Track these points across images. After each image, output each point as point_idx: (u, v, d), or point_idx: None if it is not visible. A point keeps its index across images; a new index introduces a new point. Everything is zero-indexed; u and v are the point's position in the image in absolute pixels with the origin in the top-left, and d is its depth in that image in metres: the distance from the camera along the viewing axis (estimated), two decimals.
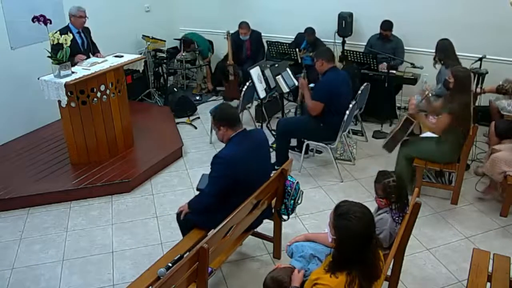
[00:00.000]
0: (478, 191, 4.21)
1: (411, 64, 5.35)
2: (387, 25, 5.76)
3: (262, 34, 6.79)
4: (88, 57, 4.93)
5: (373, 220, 2.02)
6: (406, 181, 3.27)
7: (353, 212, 1.97)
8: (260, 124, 5.16)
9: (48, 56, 4.31)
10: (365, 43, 6.12)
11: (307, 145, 4.69)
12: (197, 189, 3.42)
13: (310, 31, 6.18)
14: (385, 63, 5.63)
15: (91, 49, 5.09)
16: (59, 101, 4.34)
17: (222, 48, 7.07)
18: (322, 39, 6.28)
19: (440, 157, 3.97)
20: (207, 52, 7.10)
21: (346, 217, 1.96)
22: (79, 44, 4.93)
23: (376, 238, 2.05)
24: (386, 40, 5.84)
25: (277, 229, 3.34)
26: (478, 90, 4.93)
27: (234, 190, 2.87)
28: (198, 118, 6.12)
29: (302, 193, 3.19)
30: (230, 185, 2.85)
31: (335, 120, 4.39)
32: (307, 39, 6.24)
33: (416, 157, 4.07)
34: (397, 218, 2.70)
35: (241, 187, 2.85)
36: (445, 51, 4.79)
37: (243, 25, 6.55)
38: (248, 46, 6.73)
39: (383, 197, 2.73)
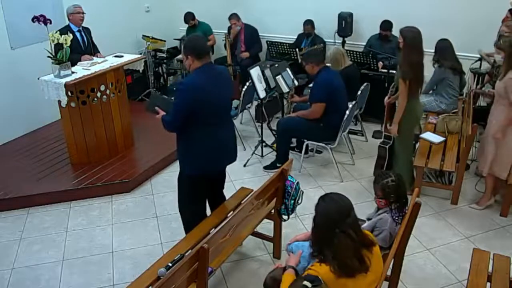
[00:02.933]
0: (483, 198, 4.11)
1: None
2: (386, 25, 5.77)
3: (263, 34, 6.80)
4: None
5: (351, 210, 2.08)
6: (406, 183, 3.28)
7: (331, 196, 2.14)
8: (260, 124, 5.15)
9: (48, 56, 4.31)
10: (365, 43, 6.12)
11: (307, 145, 4.69)
12: (147, 109, 3.16)
13: (308, 22, 6.27)
14: (381, 62, 5.63)
15: (92, 49, 5.09)
16: (59, 101, 4.34)
17: (222, 48, 7.09)
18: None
19: (411, 120, 3.96)
20: (210, 31, 7.06)
21: (324, 199, 2.14)
22: (80, 42, 4.94)
23: (356, 232, 2.06)
24: (386, 40, 5.85)
25: (277, 229, 3.34)
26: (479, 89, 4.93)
27: (195, 120, 2.89)
28: None
29: (302, 193, 3.19)
30: (193, 111, 2.86)
31: (335, 119, 4.39)
32: (305, 30, 6.33)
33: (407, 148, 4.08)
34: (396, 218, 2.70)
35: (202, 116, 2.89)
36: (442, 52, 4.77)
37: (233, 16, 6.62)
38: (242, 38, 6.72)
39: (382, 198, 2.73)
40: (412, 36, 3.74)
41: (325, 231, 2.06)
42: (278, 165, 4.57)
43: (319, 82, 4.41)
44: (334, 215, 2.05)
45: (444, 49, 4.76)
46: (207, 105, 2.89)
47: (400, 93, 3.87)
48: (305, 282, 1.97)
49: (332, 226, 2.03)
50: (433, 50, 4.95)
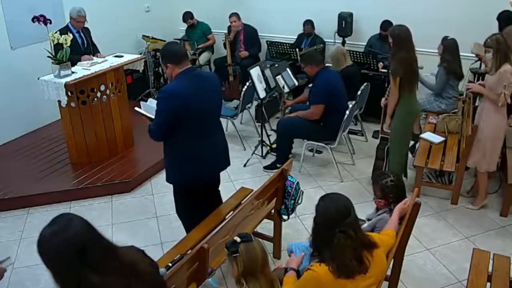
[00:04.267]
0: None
1: None
2: (386, 25, 5.74)
3: (263, 34, 6.80)
4: None
5: (351, 210, 2.07)
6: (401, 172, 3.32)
7: (332, 196, 2.17)
8: (260, 124, 5.15)
9: (48, 56, 4.31)
10: (365, 43, 6.12)
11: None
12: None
13: (308, 22, 6.27)
14: (381, 63, 5.64)
15: (91, 49, 5.09)
16: (59, 101, 4.34)
17: (222, 48, 7.09)
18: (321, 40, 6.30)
19: (408, 117, 3.97)
20: (209, 30, 7.05)
21: (324, 199, 2.15)
22: (79, 43, 4.94)
23: (356, 232, 2.05)
24: (386, 40, 5.80)
25: (277, 229, 3.34)
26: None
27: (181, 127, 2.84)
28: None
29: (302, 193, 3.19)
30: (176, 118, 2.80)
31: (334, 119, 4.39)
32: (305, 30, 6.33)
33: (403, 149, 4.09)
34: None
35: (187, 123, 2.83)
36: (446, 50, 4.75)
37: (233, 15, 6.61)
38: (242, 39, 6.72)
39: (382, 198, 2.73)
40: (400, 33, 3.77)
41: (325, 230, 2.05)
42: (278, 165, 4.57)
43: (319, 83, 4.41)
44: (334, 214, 2.05)
45: (448, 47, 4.73)
46: (191, 111, 2.80)
47: (391, 90, 3.92)
48: (236, 238, 2.08)
49: (332, 225, 2.03)
50: (433, 50, 4.95)
